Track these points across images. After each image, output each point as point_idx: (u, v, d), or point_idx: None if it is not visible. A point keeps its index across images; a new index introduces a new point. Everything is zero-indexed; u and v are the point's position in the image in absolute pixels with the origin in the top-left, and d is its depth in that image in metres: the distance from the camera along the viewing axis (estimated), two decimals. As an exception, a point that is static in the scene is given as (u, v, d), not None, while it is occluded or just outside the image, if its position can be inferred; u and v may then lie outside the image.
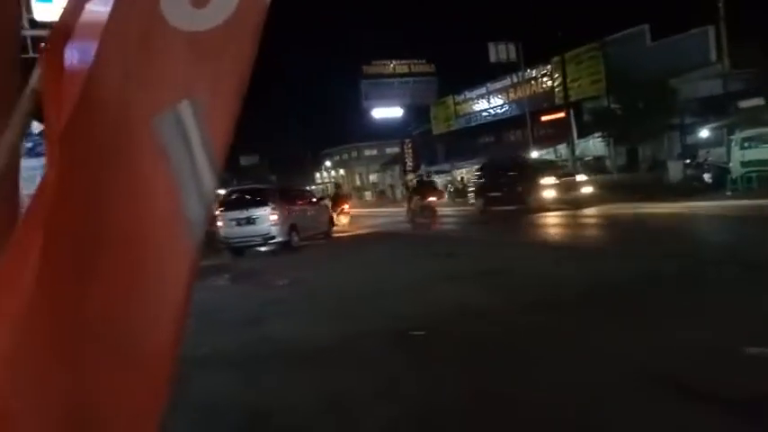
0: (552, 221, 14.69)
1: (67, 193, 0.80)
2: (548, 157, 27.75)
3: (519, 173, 19.32)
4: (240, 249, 13.81)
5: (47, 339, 0.72)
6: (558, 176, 18.68)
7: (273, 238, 13.33)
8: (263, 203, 13.52)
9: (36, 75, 0.86)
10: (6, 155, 0.85)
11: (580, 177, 19.71)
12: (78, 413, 0.73)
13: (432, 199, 17.88)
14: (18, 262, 0.83)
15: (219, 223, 13.53)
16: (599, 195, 18.52)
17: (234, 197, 14.69)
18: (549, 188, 18.03)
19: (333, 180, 54.22)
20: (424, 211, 17.26)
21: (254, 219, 13.32)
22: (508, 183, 19.28)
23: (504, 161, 21.84)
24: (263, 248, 13.96)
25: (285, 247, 13.53)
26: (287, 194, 15.19)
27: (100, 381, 0.79)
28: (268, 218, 13.28)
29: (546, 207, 17.17)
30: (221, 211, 13.69)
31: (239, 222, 13.41)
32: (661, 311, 4.90)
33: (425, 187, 18.99)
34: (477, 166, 24.64)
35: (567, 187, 18.32)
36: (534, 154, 27.43)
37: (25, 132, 0.88)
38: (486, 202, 20.26)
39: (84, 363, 0.75)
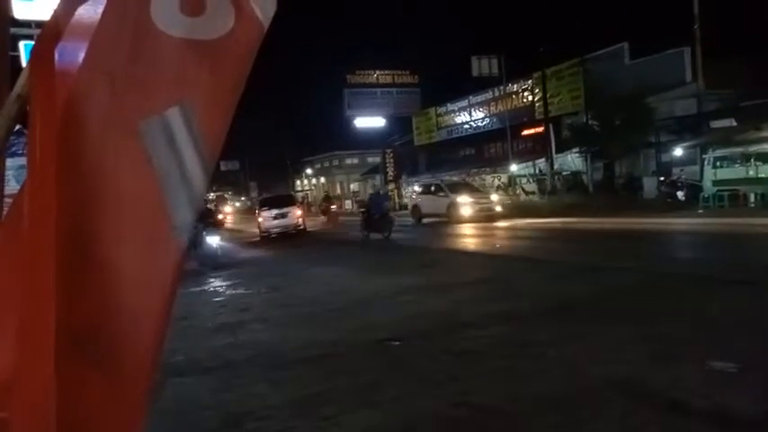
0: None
1: (51, 198, 0.79)
2: (526, 171, 28.10)
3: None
4: (275, 234, 19.83)
5: (31, 348, 0.71)
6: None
7: (300, 227, 20.38)
8: (290, 204, 21.13)
9: (22, 80, 0.85)
10: (-11, 158, 0.84)
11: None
12: (63, 425, 0.72)
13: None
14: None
15: (260, 219, 20.44)
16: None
17: (268, 201, 21.92)
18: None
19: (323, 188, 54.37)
20: None
21: (286, 214, 20.09)
22: None
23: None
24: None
25: (301, 233, 20.16)
26: (299, 199, 25.62)
27: (83, 392, 0.78)
28: (296, 213, 20.46)
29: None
30: (261, 209, 20.85)
31: (276, 217, 19.98)
32: (626, 322, 4.99)
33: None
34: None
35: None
36: (514, 167, 27.75)
37: (8, 137, 0.87)
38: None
39: (68, 375, 0.74)
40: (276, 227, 19.80)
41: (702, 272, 7.15)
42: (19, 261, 0.75)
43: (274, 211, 20.02)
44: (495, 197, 22.75)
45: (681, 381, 3.52)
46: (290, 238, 19.36)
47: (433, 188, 22.25)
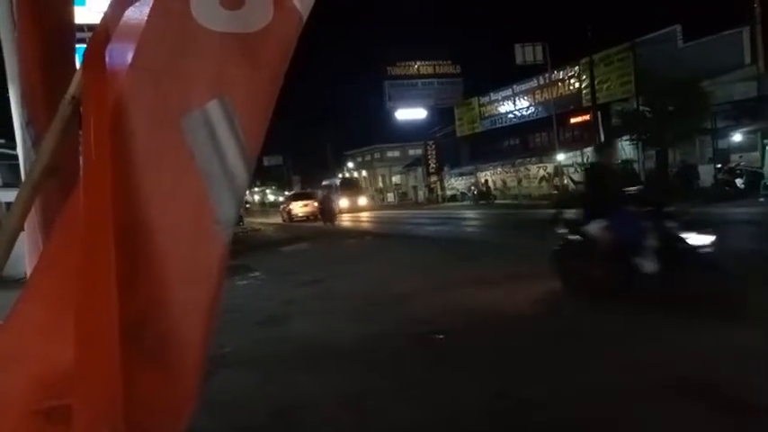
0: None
1: (107, 194, 0.81)
2: (573, 160, 27.36)
3: None
4: (301, 219, 29.63)
5: (94, 339, 0.73)
6: None
7: (317, 215, 27.25)
8: (312, 198, 30.55)
9: (76, 81, 0.88)
10: (48, 157, 0.87)
11: None
12: (120, 412, 0.75)
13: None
14: (57, 259, 0.85)
15: (291, 207, 30.51)
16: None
17: (298, 195, 32.68)
18: None
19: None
20: None
21: (308, 204, 29.47)
22: None
23: None
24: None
25: (318, 219, 27.14)
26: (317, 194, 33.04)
27: (135, 382, 0.81)
28: (314, 205, 28.73)
29: None
30: (291, 200, 31.67)
31: (302, 206, 29.90)
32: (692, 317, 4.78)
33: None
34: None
35: None
36: (560, 157, 27.06)
37: (66, 136, 0.90)
38: None
39: (122, 365, 0.76)
40: (301, 213, 29.77)
41: None
42: (78, 256, 0.78)
43: (300, 203, 30.43)
44: None
45: (743, 378, 3.36)
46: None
47: None
